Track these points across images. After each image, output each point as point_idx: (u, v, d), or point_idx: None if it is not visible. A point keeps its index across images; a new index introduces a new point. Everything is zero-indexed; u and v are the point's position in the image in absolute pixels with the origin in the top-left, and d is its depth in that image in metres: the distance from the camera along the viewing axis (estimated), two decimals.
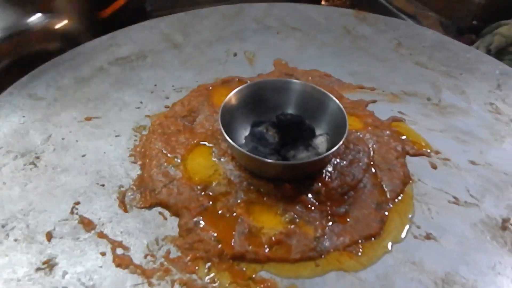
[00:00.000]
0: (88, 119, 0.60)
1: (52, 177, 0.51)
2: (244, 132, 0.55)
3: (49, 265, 0.43)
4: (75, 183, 0.51)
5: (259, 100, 0.57)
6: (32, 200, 0.49)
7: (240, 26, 0.81)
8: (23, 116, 0.59)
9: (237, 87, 0.56)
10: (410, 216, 0.48)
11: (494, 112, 0.60)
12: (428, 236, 0.46)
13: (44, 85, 0.64)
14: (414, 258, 0.44)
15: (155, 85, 0.66)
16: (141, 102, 0.63)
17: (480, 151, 0.55)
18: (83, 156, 0.54)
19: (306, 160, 0.50)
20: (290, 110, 0.56)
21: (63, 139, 0.56)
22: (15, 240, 0.45)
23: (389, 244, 0.46)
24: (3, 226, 0.46)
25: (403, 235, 0.47)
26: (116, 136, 0.57)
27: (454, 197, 0.50)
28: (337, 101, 0.53)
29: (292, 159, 0.50)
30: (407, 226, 0.47)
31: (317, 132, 0.54)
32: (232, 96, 0.54)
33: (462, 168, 0.53)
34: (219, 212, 0.48)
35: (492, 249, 0.45)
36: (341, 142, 0.49)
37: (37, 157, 0.53)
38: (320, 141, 0.53)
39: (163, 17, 0.80)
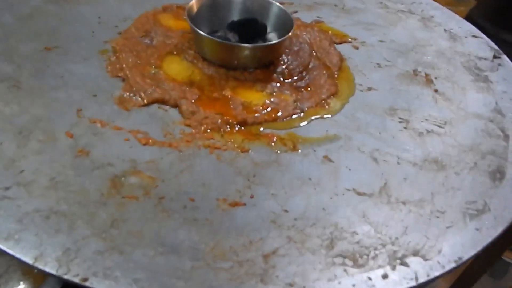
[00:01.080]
0: (48, 48, 0.58)
1: (43, 95, 0.50)
2: None
3: (84, 152, 0.44)
4: (68, 96, 0.51)
5: (213, 12, 0.62)
6: (35, 113, 0.48)
7: None
8: None
9: (178, 12, 0.60)
10: (352, 79, 0.60)
11: (384, 7, 0.75)
12: (369, 89, 0.58)
13: None
14: (366, 102, 0.56)
15: (99, 17, 0.66)
16: (93, 32, 0.63)
17: (383, 33, 0.68)
18: (62, 77, 0.54)
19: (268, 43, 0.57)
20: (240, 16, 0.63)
21: (34, 66, 0.54)
22: (39, 140, 0.44)
23: (346, 97, 0.56)
24: (20, 133, 0.45)
25: (352, 91, 0.58)
26: (85, 59, 0.57)
27: (377, 63, 0.63)
28: (279, 5, 0.62)
29: None
30: (353, 86, 0.58)
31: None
32: (193, 3, 0.59)
33: (375, 45, 0.66)
34: (213, 95, 0.53)
35: (412, 87, 0.59)
36: (292, 31, 0.57)
37: (18, 81, 0.51)
38: (272, 36, 0.61)
39: None
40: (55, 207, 0.38)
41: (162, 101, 0.52)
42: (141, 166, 0.44)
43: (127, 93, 0.53)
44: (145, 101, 0.52)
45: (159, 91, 0.53)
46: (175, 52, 0.60)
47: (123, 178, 0.42)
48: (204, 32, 0.60)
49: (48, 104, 0.50)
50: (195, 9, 0.59)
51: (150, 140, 0.47)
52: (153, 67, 0.57)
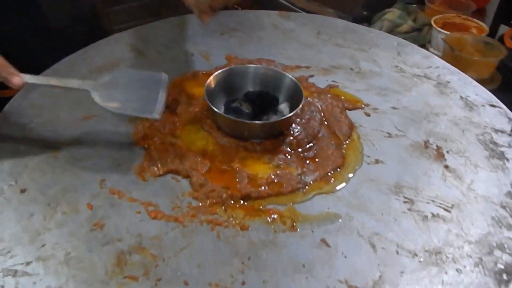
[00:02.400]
0: (87, 117, 0.61)
1: (75, 163, 0.53)
2: (221, 109, 0.60)
3: (99, 225, 0.45)
4: (95, 165, 0.53)
5: (230, 82, 0.62)
6: (64, 183, 0.50)
7: (189, 33, 0.85)
8: (31, 122, 0.59)
9: (203, 78, 0.62)
10: (361, 150, 0.57)
11: (400, 71, 0.72)
12: (377, 161, 0.55)
13: (37, 95, 0.64)
14: (371, 176, 0.53)
15: None
16: None
17: (397, 99, 0.66)
18: (94, 145, 0.56)
19: (278, 119, 0.57)
20: (255, 88, 0.63)
21: (72, 134, 0.57)
22: (64, 213, 0.46)
23: (352, 170, 0.54)
24: (49, 205, 0.47)
25: (359, 163, 0.55)
26: (116, 128, 0.60)
27: (388, 133, 0.60)
28: (291, 76, 0.61)
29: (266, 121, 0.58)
30: (360, 157, 0.56)
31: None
32: (211, 80, 0.60)
33: (387, 112, 0.63)
34: (222, 167, 0.53)
35: (421, 162, 0.55)
36: (300, 105, 0.57)
37: (56, 150, 0.55)
38: (284, 107, 0.60)
39: (123, 32, 0.82)
40: (63, 286, 0.39)
41: (175, 172, 0.53)
42: (146, 242, 0.44)
43: (147, 163, 0.54)
44: (160, 171, 0.53)
45: (174, 162, 0.54)
46: (194, 121, 0.61)
47: (128, 255, 0.43)
48: (221, 101, 0.61)
49: (77, 174, 0.52)
50: (212, 84, 0.60)
51: (159, 214, 0.48)
52: (173, 136, 0.58)
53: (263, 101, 0.60)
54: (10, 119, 0.60)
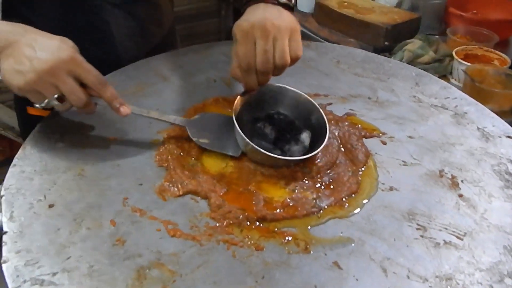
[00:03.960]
0: (112, 139, 0.66)
1: (99, 183, 0.57)
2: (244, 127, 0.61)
3: (121, 241, 0.49)
4: (119, 185, 0.57)
5: (256, 104, 0.66)
6: (89, 200, 0.55)
7: (213, 59, 0.90)
8: (60, 142, 0.64)
9: (223, 104, 0.65)
10: (376, 177, 0.60)
11: (417, 101, 0.75)
12: (391, 188, 0.58)
13: (65, 117, 0.69)
14: (385, 203, 0.56)
15: (158, 108, 0.74)
16: (150, 123, 0.70)
17: (413, 129, 0.68)
18: (118, 165, 0.61)
19: (302, 156, 0.60)
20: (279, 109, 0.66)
21: (97, 155, 0.62)
22: (88, 228, 0.51)
23: (366, 197, 0.57)
24: (74, 220, 0.52)
25: (374, 190, 0.58)
26: (139, 149, 0.64)
27: (403, 161, 0.62)
28: (318, 106, 0.64)
29: (288, 151, 0.61)
30: (375, 184, 0.59)
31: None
32: (238, 100, 0.63)
33: (404, 141, 0.66)
34: (239, 190, 0.57)
35: (436, 190, 0.58)
36: (325, 142, 0.59)
37: (82, 169, 0.59)
38: (305, 136, 0.64)
39: (149, 58, 0.88)
40: None
41: (195, 193, 0.57)
42: (164, 259, 0.48)
43: (167, 183, 0.58)
44: (180, 192, 0.57)
45: (194, 183, 0.58)
46: None
47: (147, 270, 0.46)
48: (245, 117, 0.64)
49: (101, 192, 0.57)
50: (238, 106, 0.63)
51: (178, 232, 0.51)
52: (193, 158, 0.62)
53: (286, 127, 0.63)
54: (40, 139, 0.65)
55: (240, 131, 0.58)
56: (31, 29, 0.56)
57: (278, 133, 0.63)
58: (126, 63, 0.82)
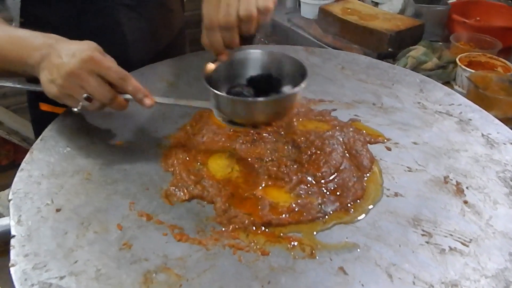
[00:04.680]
0: (120, 143, 0.67)
1: (106, 187, 0.58)
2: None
3: (127, 245, 0.50)
4: (126, 189, 0.58)
5: (231, 70, 0.65)
6: (97, 204, 0.55)
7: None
8: (67, 146, 0.65)
9: None
10: (381, 183, 0.60)
11: (422, 108, 0.75)
12: (396, 194, 0.58)
13: (72, 122, 0.70)
14: (390, 209, 0.56)
15: (163, 114, 0.75)
16: (156, 128, 0.71)
17: (418, 135, 0.69)
18: (125, 170, 0.61)
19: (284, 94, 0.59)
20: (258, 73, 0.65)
21: (104, 159, 0.63)
22: (95, 232, 0.51)
23: (371, 202, 0.57)
24: (81, 224, 0.52)
25: (379, 195, 0.58)
26: (146, 154, 0.65)
27: (408, 167, 0.63)
28: (294, 57, 0.62)
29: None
30: (380, 189, 0.59)
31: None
32: (208, 66, 0.62)
33: (408, 147, 0.67)
34: (245, 195, 0.57)
35: (440, 196, 0.58)
36: (305, 80, 0.58)
37: (89, 174, 0.60)
38: (288, 89, 0.63)
39: (155, 64, 0.89)
40: None
41: (201, 197, 0.58)
42: (171, 263, 0.48)
43: (173, 188, 0.59)
44: (186, 196, 0.58)
45: (199, 188, 0.58)
46: (220, 150, 0.65)
47: (154, 274, 0.47)
48: (223, 89, 0.63)
49: (108, 196, 0.57)
50: (209, 72, 0.62)
51: (184, 237, 0.51)
52: (199, 163, 0.63)
53: (267, 84, 0.63)
54: (48, 143, 0.66)
55: (208, 86, 0.57)
56: (61, 39, 0.59)
57: (259, 93, 0.61)
58: (135, 64, 0.83)
